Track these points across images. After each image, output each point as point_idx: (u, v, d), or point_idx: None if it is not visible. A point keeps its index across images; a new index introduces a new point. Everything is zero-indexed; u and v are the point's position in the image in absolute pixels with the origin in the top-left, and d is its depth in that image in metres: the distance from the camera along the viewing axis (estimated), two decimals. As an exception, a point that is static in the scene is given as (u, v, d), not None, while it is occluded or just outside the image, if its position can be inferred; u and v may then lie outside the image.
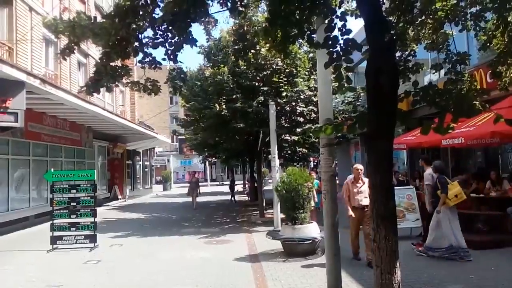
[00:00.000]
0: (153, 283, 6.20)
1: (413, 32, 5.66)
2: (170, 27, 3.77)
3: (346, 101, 17.16)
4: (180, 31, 3.76)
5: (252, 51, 12.13)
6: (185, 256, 7.98)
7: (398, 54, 5.33)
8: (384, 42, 2.99)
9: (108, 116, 15.60)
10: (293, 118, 12.47)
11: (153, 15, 3.86)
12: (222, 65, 12.65)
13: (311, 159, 25.59)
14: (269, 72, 12.23)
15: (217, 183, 43.63)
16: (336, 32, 3.11)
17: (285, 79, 12.26)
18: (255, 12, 12.22)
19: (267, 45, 8.94)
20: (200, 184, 18.63)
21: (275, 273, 6.38)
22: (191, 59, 51.63)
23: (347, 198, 6.92)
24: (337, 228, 4.80)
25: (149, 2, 3.80)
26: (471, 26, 5.33)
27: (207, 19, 6.01)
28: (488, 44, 5.64)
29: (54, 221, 8.83)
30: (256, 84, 12.22)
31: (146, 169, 31.98)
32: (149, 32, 3.91)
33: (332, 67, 3.14)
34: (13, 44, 12.36)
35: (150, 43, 3.93)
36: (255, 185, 17.81)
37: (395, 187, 4.49)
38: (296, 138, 12.81)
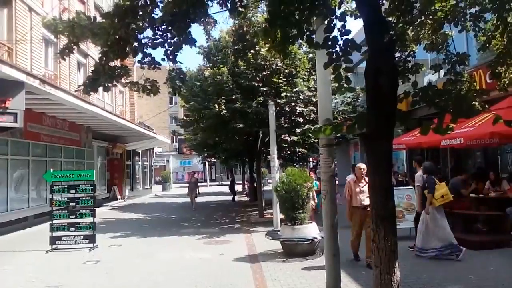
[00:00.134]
0: (152, 283, 6.20)
1: (413, 33, 5.66)
2: (170, 27, 3.77)
3: (345, 102, 17.15)
4: (179, 31, 3.76)
5: (252, 51, 12.13)
6: (185, 256, 7.98)
7: (397, 54, 5.33)
8: (384, 43, 3.00)
9: (107, 116, 15.59)
10: (293, 118, 12.47)
11: (153, 15, 3.86)
12: (221, 66, 12.64)
13: (311, 159, 25.57)
14: (268, 72, 12.23)
15: (217, 183, 43.61)
16: (335, 33, 3.11)
17: (285, 79, 12.25)
18: (255, 13, 12.22)
19: (267, 45, 8.95)
20: (199, 184, 18.57)
21: (275, 273, 6.38)
22: (190, 60, 51.63)
23: (349, 197, 6.92)
24: (336, 229, 4.80)
25: (148, 2, 3.80)
26: (471, 27, 5.34)
27: (206, 20, 6.02)
28: (487, 45, 5.64)
29: (54, 221, 8.83)
30: (256, 84, 12.21)
31: (146, 170, 31.98)
32: (148, 32, 3.91)
33: (331, 67, 3.14)
34: (13, 44, 12.35)
35: (150, 43, 3.93)
36: (255, 185, 17.80)
37: (395, 188, 4.51)
38: (295, 138, 12.81)
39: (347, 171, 16.67)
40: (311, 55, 12.68)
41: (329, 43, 3.08)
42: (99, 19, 3.95)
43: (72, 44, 4.04)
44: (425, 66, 6.81)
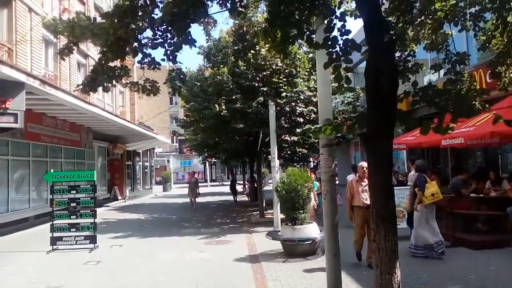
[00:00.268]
0: (153, 283, 6.20)
1: (413, 33, 5.66)
2: (170, 28, 3.77)
3: (345, 102, 17.16)
4: (179, 31, 3.76)
5: (252, 51, 12.14)
6: (185, 256, 7.98)
7: (397, 54, 5.32)
8: (384, 43, 3.00)
9: (107, 116, 15.60)
10: (293, 118, 12.47)
11: (152, 15, 3.86)
12: (221, 66, 12.65)
13: (311, 159, 25.56)
14: (268, 72, 12.23)
15: (217, 183, 43.61)
16: (335, 33, 3.11)
17: (285, 79, 12.26)
18: (255, 13, 12.22)
19: (267, 45, 8.95)
20: (199, 184, 18.51)
21: (275, 273, 6.38)
22: (190, 60, 51.69)
23: (351, 196, 6.90)
24: (337, 229, 4.80)
25: (148, 2, 3.80)
26: (471, 26, 5.33)
27: (206, 20, 6.02)
28: (487, 44, 5.64)
29: (54, 222, 8.83)
30: (256, 84, 12.22)
31: (146, 170, 31.96)
32: (148, 33, 3.92)
33: (331, 67, 3.14)
34: (13, 45, 12.36)
35: (149, 44, 3.93)
36: (255, 185, 17.80)
37: (395, 188, 4.50)
38: (295, 138, 12.82)
39: (347, 171, 16.64)
40: (311, 55, 12.68)
41: (329, 43, 3.08)
42: (99, 19, 3.95)
43: (72, 44, 4.04)
44: (425, 66, 6.81)
